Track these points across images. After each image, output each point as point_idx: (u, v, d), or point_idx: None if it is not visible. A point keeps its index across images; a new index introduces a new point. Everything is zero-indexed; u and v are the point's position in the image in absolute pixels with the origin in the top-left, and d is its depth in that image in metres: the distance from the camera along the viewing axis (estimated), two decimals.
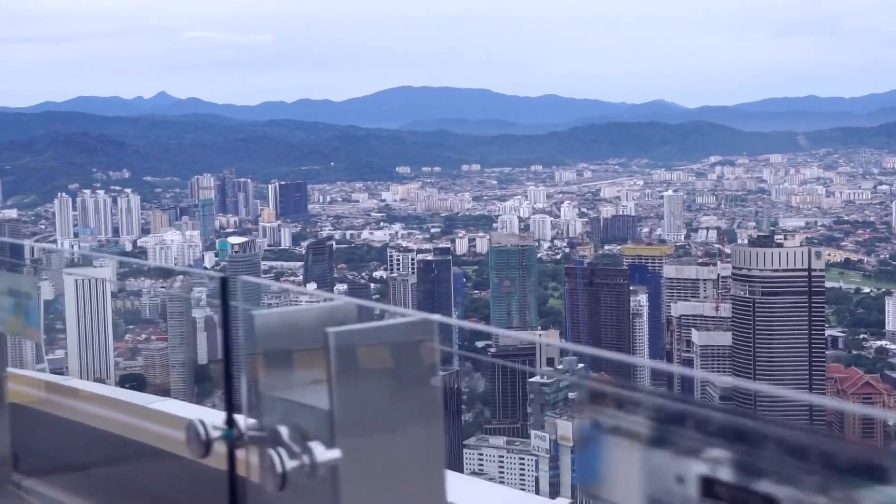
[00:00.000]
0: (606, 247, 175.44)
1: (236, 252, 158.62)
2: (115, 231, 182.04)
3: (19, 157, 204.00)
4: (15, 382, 8.57)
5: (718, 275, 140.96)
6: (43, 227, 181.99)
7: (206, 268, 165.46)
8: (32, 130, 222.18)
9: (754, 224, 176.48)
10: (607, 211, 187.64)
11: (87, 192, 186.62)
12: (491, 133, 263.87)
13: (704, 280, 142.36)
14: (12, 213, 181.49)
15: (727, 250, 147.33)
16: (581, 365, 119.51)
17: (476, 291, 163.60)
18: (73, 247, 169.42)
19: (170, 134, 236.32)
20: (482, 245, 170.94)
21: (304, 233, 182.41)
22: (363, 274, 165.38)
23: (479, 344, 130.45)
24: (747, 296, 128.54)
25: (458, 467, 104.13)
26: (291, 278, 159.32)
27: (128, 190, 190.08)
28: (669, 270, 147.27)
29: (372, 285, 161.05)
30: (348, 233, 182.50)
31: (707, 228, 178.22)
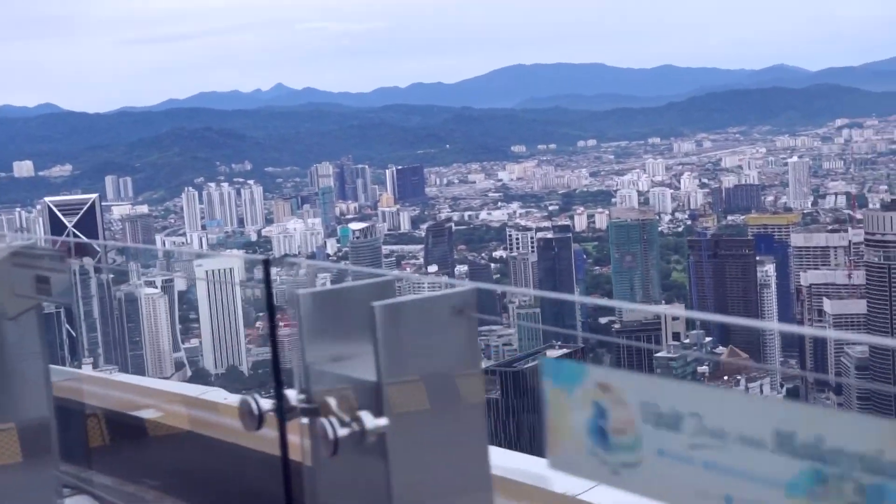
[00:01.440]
0: (730, 217, 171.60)
1: (357, 238, 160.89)
2: (241, 222, 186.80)
3: (147, 155, 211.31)
4: (148, 398, 8.02)
5: (850, 241, 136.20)
6: (173, 220, 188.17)
7: (329, 254, 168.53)
8: (158, 128, 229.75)
9: (886, 187, 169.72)
10: (729, 181, 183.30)
11: (212, 185, 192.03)
12: (607, 107, 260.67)
13: (835, 247, 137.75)
14: (144, 209, 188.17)
15: (858, 216, 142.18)
16: (709, 339, 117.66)
17: (597, 268, 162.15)
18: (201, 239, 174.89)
19: (288, 124, 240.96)
20: (601, 221, 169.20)
21: (423, 216, 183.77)
22: (483, 254, 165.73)
23: (603, 320, 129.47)
24: (882, 262, 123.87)
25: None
26: (413, 261, 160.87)
27: (250, 181, 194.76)
28: (797, 239, 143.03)
29: (492, 265, 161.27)
30: (466, 214, 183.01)
31: (836, 194, 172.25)
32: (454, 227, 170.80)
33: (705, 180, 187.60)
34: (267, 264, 4.07)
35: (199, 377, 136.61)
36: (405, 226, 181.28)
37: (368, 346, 3.36)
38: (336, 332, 3.68)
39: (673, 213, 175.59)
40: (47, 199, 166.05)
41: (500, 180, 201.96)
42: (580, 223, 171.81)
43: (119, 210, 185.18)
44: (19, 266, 5.75)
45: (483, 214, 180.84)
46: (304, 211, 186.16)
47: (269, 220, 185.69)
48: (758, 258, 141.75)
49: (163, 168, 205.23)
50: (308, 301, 3.66)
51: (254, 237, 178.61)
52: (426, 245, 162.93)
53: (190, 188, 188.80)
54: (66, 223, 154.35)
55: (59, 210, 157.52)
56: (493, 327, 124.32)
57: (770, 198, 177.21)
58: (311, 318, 3.66)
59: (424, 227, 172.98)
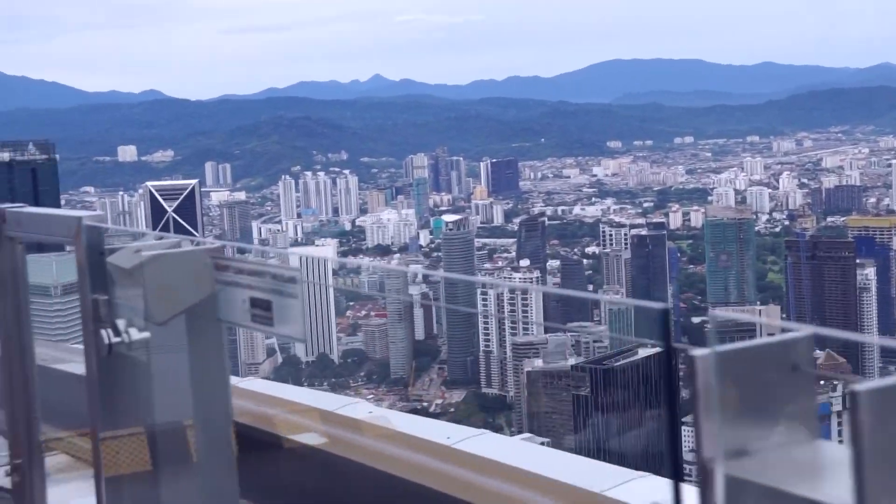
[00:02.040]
0: (829, 218, 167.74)
1: (450, 230, 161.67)
2: (335, 211, 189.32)
3: (246, 142, 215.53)
4: (279, 409, 7.40)
5: None
6: (269, 208, 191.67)
7: (421, 246, 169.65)
8: (258, 116, 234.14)
9: None
10: (830, 181, 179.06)
11: (309, 174, 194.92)
12: (704, 104, 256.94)
13: None
14: (241, 196, 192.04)
15: None
16: None
17: (691, 266, 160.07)
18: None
19: (385, 115, 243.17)
20: (697, 219, 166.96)
21: (517, 209, 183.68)
22: (576, 250, 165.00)
23: (696, 320, 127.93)
24: None
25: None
26: (505, 255, 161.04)
27: (346, 171, 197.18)
28: None
29: (584, 261, 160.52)
30: (560, 209, 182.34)
31: None
32: (547, 222, 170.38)
33: (805, 180, 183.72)
34: (666, 316, 2.48)
35: (290, 364, 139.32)
36: (498, 219, 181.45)
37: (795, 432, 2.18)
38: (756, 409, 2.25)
39: (770, 213, 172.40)
40: (149, 183, 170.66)
41: (595, 175, 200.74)
42: (675, 221, 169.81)
43: (217, 196, 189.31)
44: (224, 283, 4.27)
45: (577, 210, 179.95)
46: (398, 201, 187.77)
47: (363, 210, 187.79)
48: (858, 261, 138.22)
49: (261, 156, 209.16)
50: (712, 365, 2.20)
51: (348, 227, 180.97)
52: (518, 239, 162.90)
53: (287, 176, 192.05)
54: (167, 208, 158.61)
55: (160, 195, 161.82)
56: (585, 323, 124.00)
57: (872, 199, 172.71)
58: (715, 390, 2.25)
59: (517, 220, 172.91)
